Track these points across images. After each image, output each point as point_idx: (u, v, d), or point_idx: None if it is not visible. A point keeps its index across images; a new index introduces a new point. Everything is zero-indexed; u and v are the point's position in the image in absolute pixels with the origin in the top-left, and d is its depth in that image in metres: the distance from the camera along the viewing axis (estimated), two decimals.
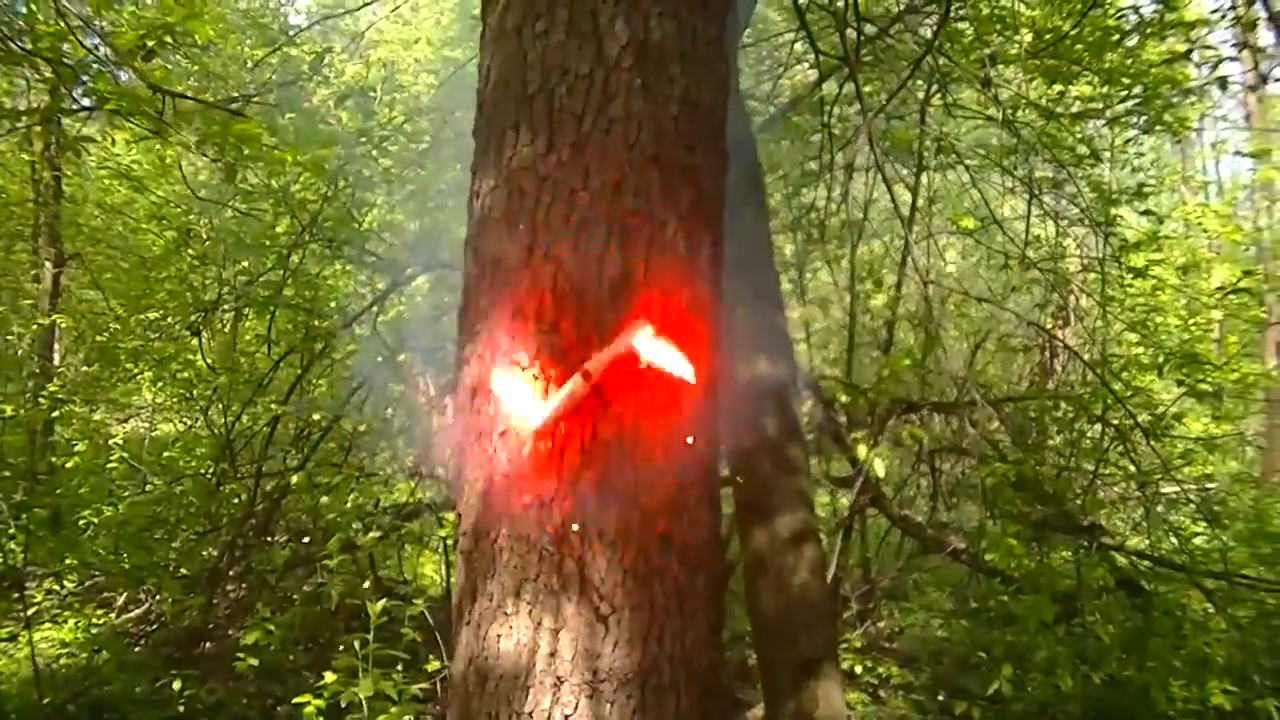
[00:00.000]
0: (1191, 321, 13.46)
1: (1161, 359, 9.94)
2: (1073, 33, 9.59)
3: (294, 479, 9.42)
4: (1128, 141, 11.90)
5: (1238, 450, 15.97)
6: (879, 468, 7.96)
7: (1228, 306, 12.19)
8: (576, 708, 3.26)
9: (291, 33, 11.90)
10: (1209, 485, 11.23)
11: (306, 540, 10.11)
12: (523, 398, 3.36)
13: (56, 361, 14.22)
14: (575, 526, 3.30)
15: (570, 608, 3.29)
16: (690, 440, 3.48)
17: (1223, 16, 9.22)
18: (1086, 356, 11.14)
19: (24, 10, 7.45)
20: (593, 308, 3.37)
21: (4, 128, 10.24)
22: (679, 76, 3.56)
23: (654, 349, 3.34)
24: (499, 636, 3.36)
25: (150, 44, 6.13)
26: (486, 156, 3.66)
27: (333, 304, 11.64)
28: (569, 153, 3.45)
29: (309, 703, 6.01)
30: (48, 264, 13.57)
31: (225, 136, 6.18)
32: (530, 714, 3.27)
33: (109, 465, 11.45)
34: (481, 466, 3.48)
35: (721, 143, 3.77)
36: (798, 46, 11.32)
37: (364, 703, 5.58)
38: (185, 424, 12.56)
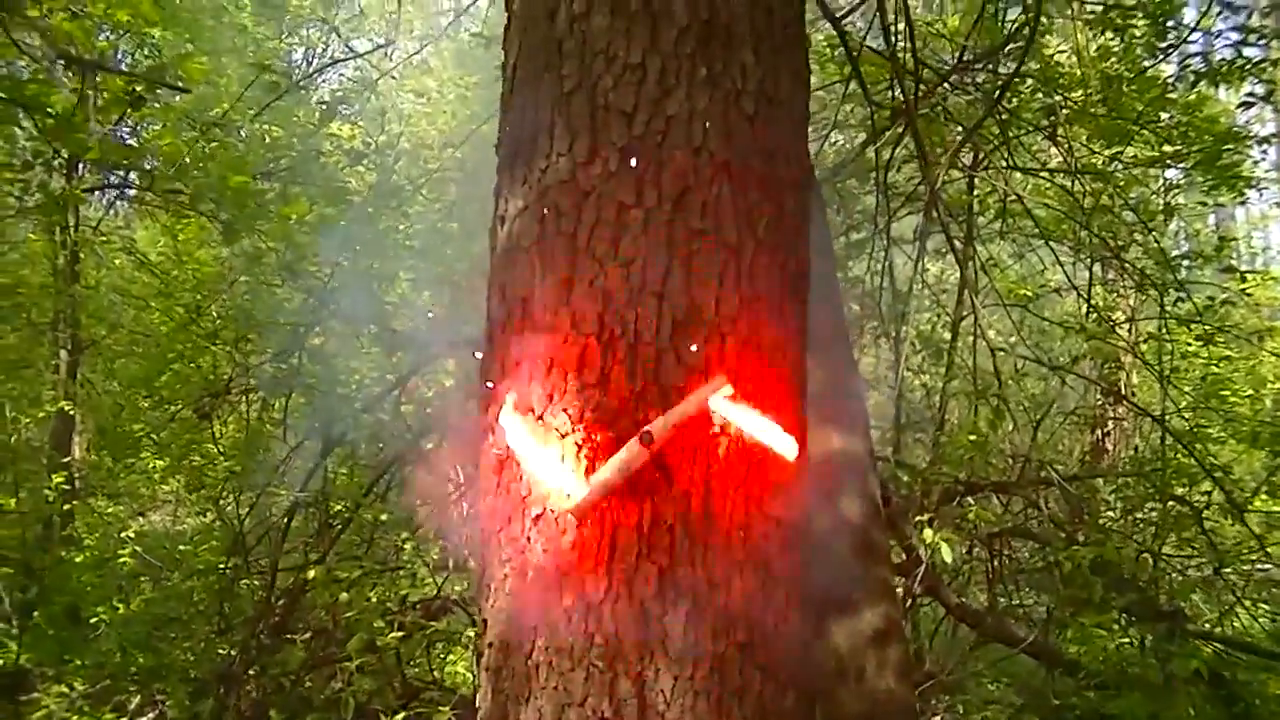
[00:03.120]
0: (1255, 392, 12.84)
1: (1257, 428, 9.37)
2: (1131, 86, 9.07)
3: (311, 573, 8.80)
4: (1202, 199, 11.39)
5: None
6: (945, 553, 7.28)
7: None
8: None
9: (296, 79, 11.33)
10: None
11: (325, 640, 9.49)
12: (557, 466, 2.64)
13: (77, 454, 13.80)
14: (631, 636, 2.62)
15: None
16: (775, 522, 2.76)
17: None
18: (1147, 430, 10.60)
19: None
20: (650, 356, 2.69)
21: (12, 207, 9.79)
22: (753, 66, 2.91)
23: (736, 414, 2.64)
24: None
25: (138, 90, 5.57)
26: (513, 172, 2.98)
27: (353, 386, 11.07)
28: (616, 161, 2.78)
29: None
30: (63, 351, 13.16)
31: (222, 191, 5.62)
32: None
33: (120, 561, 10.91)
34: (511, 560, 2.80)
35: (804, 147, 3.08)
36: (845, 104, 10.73)
37: None
38: (203, 517, 12.01)
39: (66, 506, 11.67)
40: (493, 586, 2.87)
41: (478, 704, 2.98)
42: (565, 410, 2.70)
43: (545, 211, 2.84)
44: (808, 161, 3.13)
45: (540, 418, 2.74)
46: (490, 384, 2.96)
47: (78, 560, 10.96)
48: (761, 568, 2.74)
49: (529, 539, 2.74)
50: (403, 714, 5.24)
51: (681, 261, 2.72)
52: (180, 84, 6.16)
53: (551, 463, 2.71)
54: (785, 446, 2.74)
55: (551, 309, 2.77)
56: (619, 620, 2.62)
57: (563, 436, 2.70)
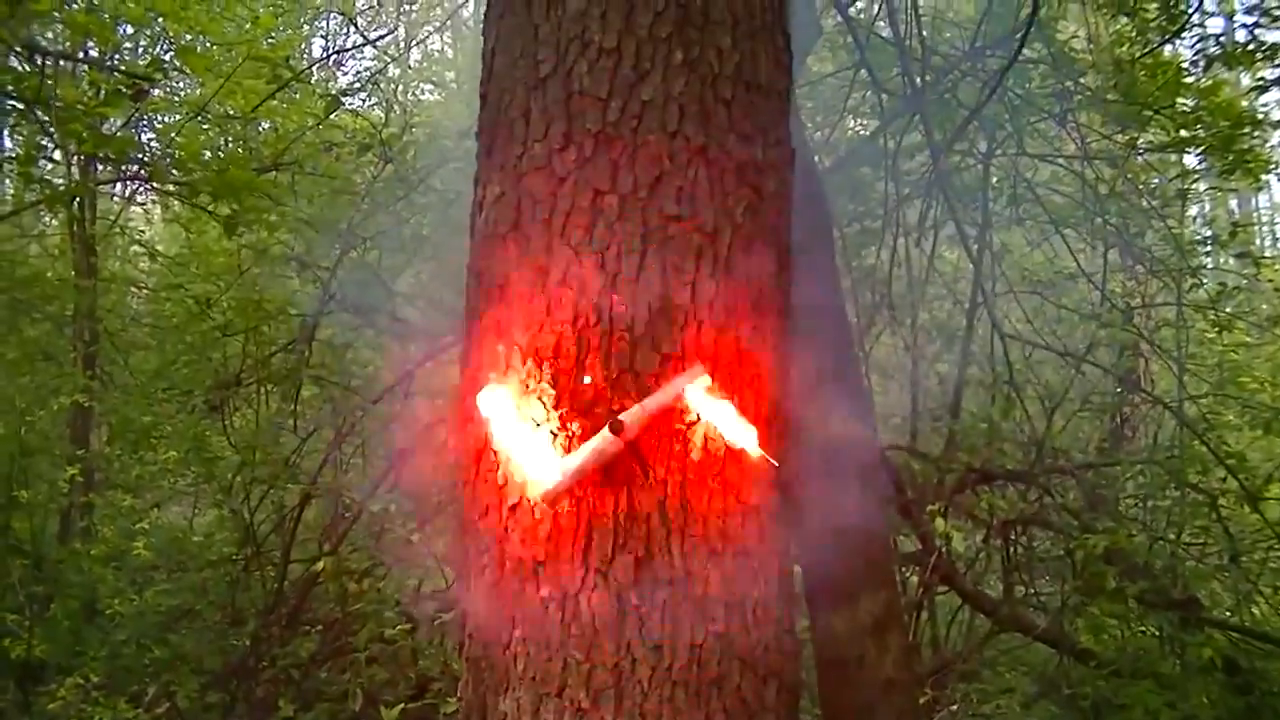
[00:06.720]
0: (1273, 379, 12.68)
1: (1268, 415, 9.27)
2: (1145, 67, 9.00)
3: (321, 564, 8.80)
4: (1215, 185, 11.27)
5: None
6: (957, 542, 7.24)
7: None
8: None
9: (300, 71, 11.25)
10: None
11: (337, 631, 9.48)
12: (535, 454, 2.61)
13: (96, 447, 13.80)
14: (609, 626, 2.59)
15: None
16: (754, 510, 2.72)
17: None
18: (1168, 418, 10.51)
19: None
20: (625, 344, 2.67)
21: (24, 202, 9.81)
22: (730, 50, 2.86)
23: (709, 408, 2.61)
24: None
25: (140, 83, 5.56)
26: (490, 159, 2.96)
27: (365, 373, 11.06)
28: (592, 146, 2.75)
29: None
30: (79, 344, 13.18)
31: (221, 185, 5.59)
32: None
33: (135, 553, 10.92)
34: (489, 549, 2.77)
35: (784, 132, 3.02)
36: (856, 91, 10.65)
37: None
38: (220, 509, 12.02)
39: (84, 499, 11.68)
40: (471, 576, 2.85)
41: (459, 694, 2.96)
42: (540, 398, 2.67)
43: (521, 198, 2.81)
44: (790, 146, 3.08)
45: (517, 407, 2.71)
46: (469, 375, 2.94)
47: (92, 553, 10.99)
48: (740, 557, 2.71)
49: (506, 529, 2.72)
50: (401, 705, 5.18)
51: (657, 248, 2.69)
52: (166, 77, 6.14)
53: (530, 451, 2.68)
54: (750, 446, 2.70)
55: (527, 296, 2.75)
56: (596, 611, 2.60)
57: (538, 425, 2.67)
